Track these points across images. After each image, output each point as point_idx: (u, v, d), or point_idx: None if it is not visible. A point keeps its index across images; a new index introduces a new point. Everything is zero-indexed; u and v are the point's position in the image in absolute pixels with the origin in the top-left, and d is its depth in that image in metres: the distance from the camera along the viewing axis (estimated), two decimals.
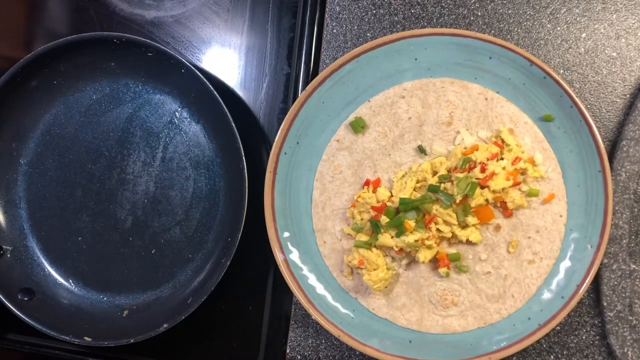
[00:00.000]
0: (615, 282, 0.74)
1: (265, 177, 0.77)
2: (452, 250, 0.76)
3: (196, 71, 0.79)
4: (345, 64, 0.77)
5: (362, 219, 0.76)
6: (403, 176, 0.76)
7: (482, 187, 0.73)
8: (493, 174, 0.72)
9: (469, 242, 0.75)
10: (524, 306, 0.74)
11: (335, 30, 0.83)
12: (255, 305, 0.85)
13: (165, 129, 0.86)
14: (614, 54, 0.77)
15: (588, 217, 0.73)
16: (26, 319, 0.82)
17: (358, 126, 0.78)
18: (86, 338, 0.81)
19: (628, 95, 0.77)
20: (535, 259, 0.75)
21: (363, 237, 0.75)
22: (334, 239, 0.79)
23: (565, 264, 0.74)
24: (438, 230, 0.74)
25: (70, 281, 0.88)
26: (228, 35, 0.87)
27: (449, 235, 0.74)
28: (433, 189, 0.74)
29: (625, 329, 0.74)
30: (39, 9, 0.92)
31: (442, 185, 0.74)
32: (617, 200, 0.74)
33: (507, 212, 0.75)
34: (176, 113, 0.86)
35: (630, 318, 0.74)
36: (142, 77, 0.86)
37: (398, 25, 0.81)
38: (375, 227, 0.74)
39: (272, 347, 0.84)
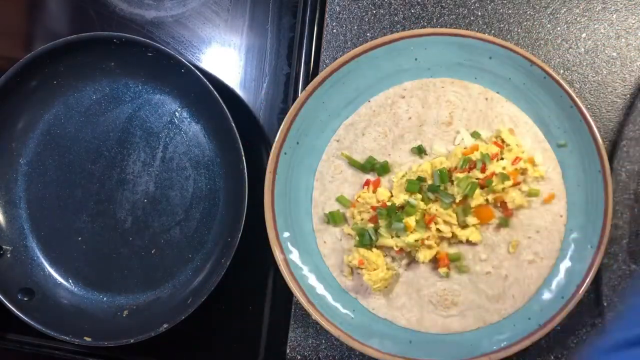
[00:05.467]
0: (616, 282, 0.74)
1: (265, 177, 0.77)
2: (452, 250, 0.76)
3: (196, 71, 0.79)
4: (345, 64, 0.77)
5: (362, 219, 0.76)
6: (403, 176, 0.76)
7: (482, 187, 0.73)
8: (493, 173, 0.72)
9: (469, 242, 0.75)
10: (524, 306, 0.74)
11: (335, 30, 0.83)
12: (255, 305, 0.85)
13: (165, 129, 0.86)
14: (614, 54, 0.77)
15: (588, 217, 0.73)
16: (26, 319, 0.82)
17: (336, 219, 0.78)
18: (86, 338, 0.81)
19: (628, 95, 0.77)
20: (535, 259, 0.75)
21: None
22: (334, 239, 0.79)
23: (565, 264, 0.74)
24: (438, 230, 0.74)
25: (70, 281, 0.88)
26: (228, 35, 0.87)
27: (449, 235, 0.74)
28: (433, 189, 0.74)
29: None
30: (39, 9, 0.92)
31: (442, 185, 0.74)
32: (617, 200, 0.74)
33: (507, 212, 0.75)
34: (176, 113, 0.86)
35: None
36: (142, 77, 0.86)
37: (398, 25, 0.81)
38: (369, 239, 0.74)
39: (272, 347, 0.84)
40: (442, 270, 0.75)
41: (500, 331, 0.74)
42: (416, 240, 0.73)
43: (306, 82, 0.83)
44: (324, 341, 0.82)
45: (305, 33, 0.83)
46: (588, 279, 0.72)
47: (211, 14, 0.88)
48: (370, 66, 0.77)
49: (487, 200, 0.74)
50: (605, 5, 0.78)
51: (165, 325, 0.79)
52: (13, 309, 0.83)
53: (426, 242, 0.73)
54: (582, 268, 0.72)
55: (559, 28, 0.78)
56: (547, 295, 0.74)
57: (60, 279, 0.88)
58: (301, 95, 0.77)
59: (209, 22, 0.88)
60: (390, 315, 0.77)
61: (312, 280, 0.78)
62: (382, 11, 0.82)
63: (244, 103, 0.86)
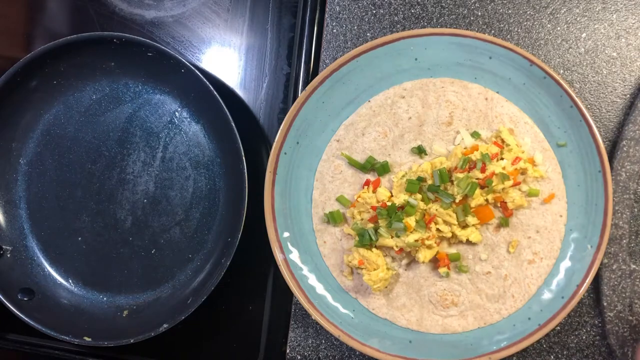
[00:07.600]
0: (615, 282, 0.74)
1: (265, 177, 0.77)
2: (452, 250, 0.76)
3: (196, 71, 0.79)
4: (345, 64, 0.77)
5: (362, 219, 0.76)
6: (403, 176, 0.76)
7: (482, 187, 0.73)
8: (493, 173, 0.72)
9: (469, 242, 0.75)
10: (524, 306, 0.74)
11: (335, 30, 0.83)
12: (255, 305, 0.85)
13: (165, 129, 0.86)
14: (614, 54, 0.77)
15: (588, 217, 0.73)
16: (26, 319, 0.82)
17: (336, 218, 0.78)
18: (86, 338, 0.81)
19: (628, 95, 0.77)
20: (535, 259, 0.75)
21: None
22: (334, 239, 0.79)
23: (565, 264, 0.74)
24: (438, 230, 0.74)
25: (70, 281, 0.88)
26: (228, 35, 0.87)
27: (449, 235, 0.74)
28: (433, 189, 0.74)
29: (625, 329, 0.74)
30: (39, 9, 0.92)
31: (442, 185, 0.74)
32: (617, 200, 0.74)
33: (507, 212, 0.75)
34: (176, 113, 0.86)
35: (630, 318, 0.74)
36: (142, 77, 0.86)
37: (398, 25, 0.81)
38: (369, 239, 0.74)
39: (272, 347, 0.84)
40: (442, 270, 0.75)
41: (500, 331, 0.74)
42: (416, 240, 0.73)
43: (306, 82, 0.83)
44: (324, 341, 0.82)
45: (305, 33, 0.83)
46: (588, 279, 0.72)
47: (211, 14, 0.88)
48: (370, 66, 0.77)
49: (487, 200, 0.74)
50: (605, 5, 0.78)
51: (165, 325, 0.79)
52: (13, 309, 0.83)
53: (426, 242, 0.73)
54: (582, 268, 0.73)
55: (559, 28, 0.79)
56: (547, 295, 0.74)
57: (60, 279, 0.88)
58: (301, 95, 0.77)
59: (209, 22, 0.88)
60: (390, 315, 0.77)
61: (312, 280, 0.78)
62: (382, 11, 0.82)
63: (244, 103, 0.86)
